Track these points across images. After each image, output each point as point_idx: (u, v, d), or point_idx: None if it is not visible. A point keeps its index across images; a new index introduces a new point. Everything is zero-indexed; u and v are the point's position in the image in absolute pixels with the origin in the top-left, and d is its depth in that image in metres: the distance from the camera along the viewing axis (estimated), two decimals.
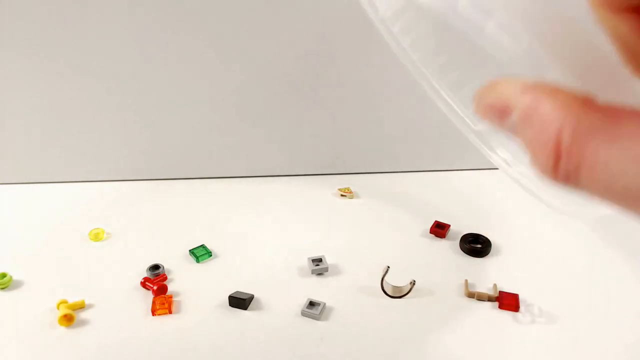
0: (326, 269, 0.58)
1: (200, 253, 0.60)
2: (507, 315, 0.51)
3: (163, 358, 0.47)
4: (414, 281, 0.53)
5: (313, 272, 0.58)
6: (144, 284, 0.55)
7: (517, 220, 0.65)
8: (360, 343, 0.49)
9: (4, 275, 0.56)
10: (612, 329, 0.50)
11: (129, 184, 0.73)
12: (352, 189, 0.72)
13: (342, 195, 0.72)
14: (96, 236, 0.62)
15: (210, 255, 0.60)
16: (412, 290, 0.53)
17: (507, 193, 0.69)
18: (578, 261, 0.58)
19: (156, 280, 0.55)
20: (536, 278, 0.56)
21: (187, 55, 0.68)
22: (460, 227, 0.64)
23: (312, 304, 0.53)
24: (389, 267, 0.53)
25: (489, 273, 0.57)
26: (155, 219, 0.67)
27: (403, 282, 0.54)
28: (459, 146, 0.72)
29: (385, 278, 0.54)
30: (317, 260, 0.59)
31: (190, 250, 0.60)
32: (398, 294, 0.54)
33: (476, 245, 0.60)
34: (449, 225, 0.63)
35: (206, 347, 0.48)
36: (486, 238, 0.61)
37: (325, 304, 0.53)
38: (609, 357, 0.47)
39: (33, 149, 0.72)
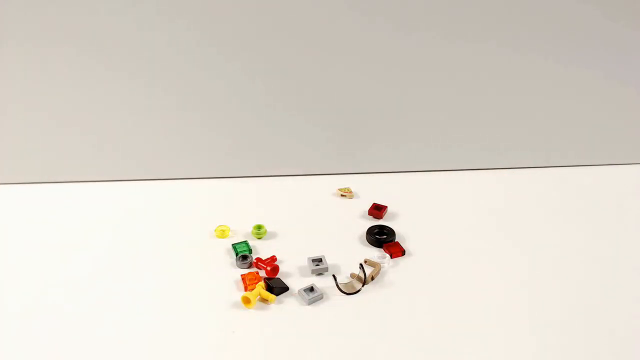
0: (326, 269, 0.59)
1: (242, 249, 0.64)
2: None
3: None
4: (361, 264, 0.58)
5: (313, 272, 0.59)
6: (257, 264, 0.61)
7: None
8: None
9: (260, 227, 0.65)
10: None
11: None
12: (353, 189, 0.73)
13: (342, 195, 0.72)
14: (222, 233, 0.66)
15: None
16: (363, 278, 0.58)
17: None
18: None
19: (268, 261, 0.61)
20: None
21: (187, 56, 0.69)
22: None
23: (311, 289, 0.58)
24: (334, 275, 0.58)
25: None
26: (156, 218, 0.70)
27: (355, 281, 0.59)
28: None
29: (339, 282, 0.58)
30: (317, 260, 0.59)
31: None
32: (353, 290, 0.58)
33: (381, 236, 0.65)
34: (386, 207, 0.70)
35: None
36: (391, 228, 0.66)
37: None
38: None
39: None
